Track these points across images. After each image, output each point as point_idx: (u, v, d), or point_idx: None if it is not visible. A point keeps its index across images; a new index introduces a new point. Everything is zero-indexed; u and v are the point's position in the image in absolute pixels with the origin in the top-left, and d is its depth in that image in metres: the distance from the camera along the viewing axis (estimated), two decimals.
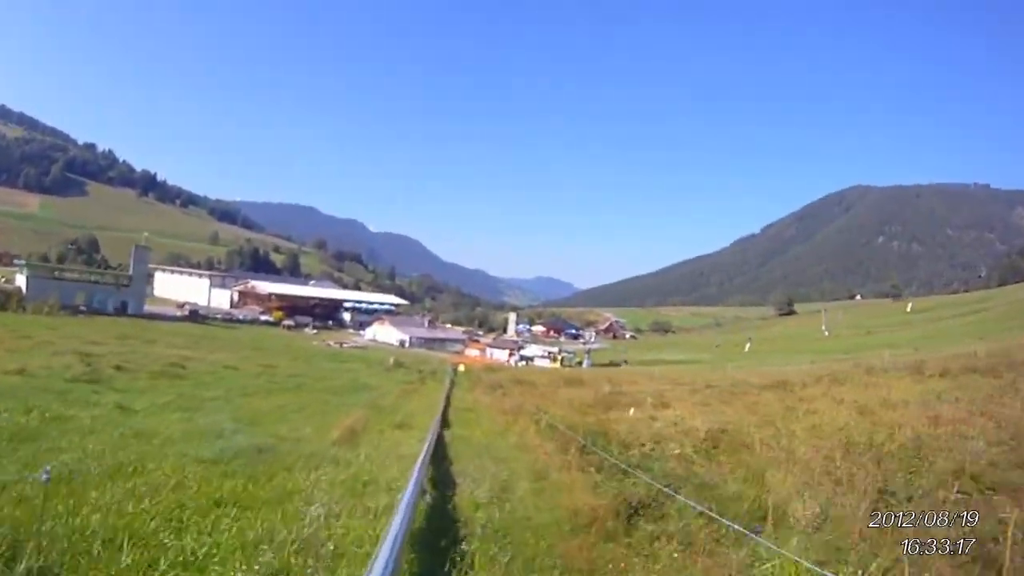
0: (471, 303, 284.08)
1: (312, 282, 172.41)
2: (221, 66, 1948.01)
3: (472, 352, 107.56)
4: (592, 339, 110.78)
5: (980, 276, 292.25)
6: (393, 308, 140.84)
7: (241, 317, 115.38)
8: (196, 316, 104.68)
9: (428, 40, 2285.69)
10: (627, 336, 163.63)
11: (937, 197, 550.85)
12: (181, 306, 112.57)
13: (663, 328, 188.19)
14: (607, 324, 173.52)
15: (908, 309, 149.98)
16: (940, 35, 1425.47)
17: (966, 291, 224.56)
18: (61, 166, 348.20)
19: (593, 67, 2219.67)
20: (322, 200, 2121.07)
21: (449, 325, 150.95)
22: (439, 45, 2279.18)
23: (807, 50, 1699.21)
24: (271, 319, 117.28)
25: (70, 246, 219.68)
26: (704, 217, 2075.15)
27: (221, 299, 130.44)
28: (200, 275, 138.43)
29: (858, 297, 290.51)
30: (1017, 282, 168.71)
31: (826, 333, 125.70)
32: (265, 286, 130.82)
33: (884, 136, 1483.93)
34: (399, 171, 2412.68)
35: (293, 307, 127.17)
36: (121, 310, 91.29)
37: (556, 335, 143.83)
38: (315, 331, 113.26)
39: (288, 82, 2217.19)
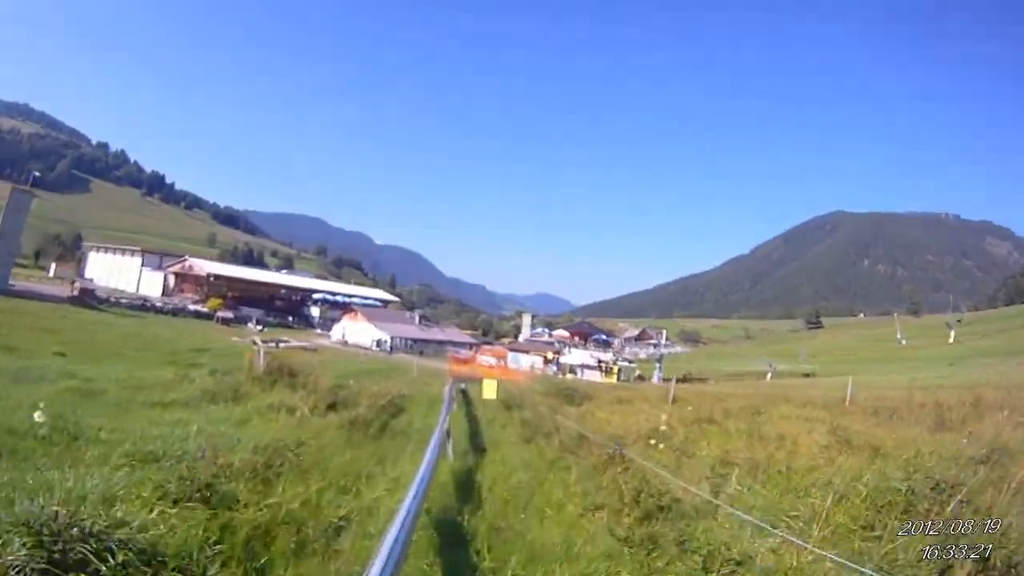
0: (473, 312, 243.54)
1: (283, 271, 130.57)
2: (238, 80, 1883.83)
3: (486, 360, 64.92)
4: (664, 342, 70.40)
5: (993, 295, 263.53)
6: (379, 304, 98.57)
7: (159, 304, 73.80)
8: (88, 297, 64.04)
9: (438, 63, 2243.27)
10: (663, 344, 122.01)
11: (913, 225, 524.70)
12: (72, 283, 72.06)
13: (692, 339, 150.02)
14: (638, 332, 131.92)
15: None
16: (914, 73, 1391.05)
17: (976, 309, 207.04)
18: (68, 163, 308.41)
19: (591, 93, 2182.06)
20: (331, 212, 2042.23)
21: (454, 327, 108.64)
22: (449, 67, 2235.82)
23: (786, 80, 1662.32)
24: (205, 309, 76.11)
25: (56, 240, 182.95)
26: (694, 237, 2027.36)
27: (154, 283, 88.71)
28: (132, 253, 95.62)
29: (861, 315, 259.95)
30: None
31: (903, 342, 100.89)
32: (204, 266, 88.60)
33: (861, 165, 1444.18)
34: (408, 185, 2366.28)
35: (243, 297, 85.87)
36: None
37: (583, 341, 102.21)
38: (260, 327, 71.65)
39: (302, 95, 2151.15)
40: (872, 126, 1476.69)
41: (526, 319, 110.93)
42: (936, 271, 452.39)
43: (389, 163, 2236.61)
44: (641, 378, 73.83)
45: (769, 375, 64.26)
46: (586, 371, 64.33)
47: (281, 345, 52.68)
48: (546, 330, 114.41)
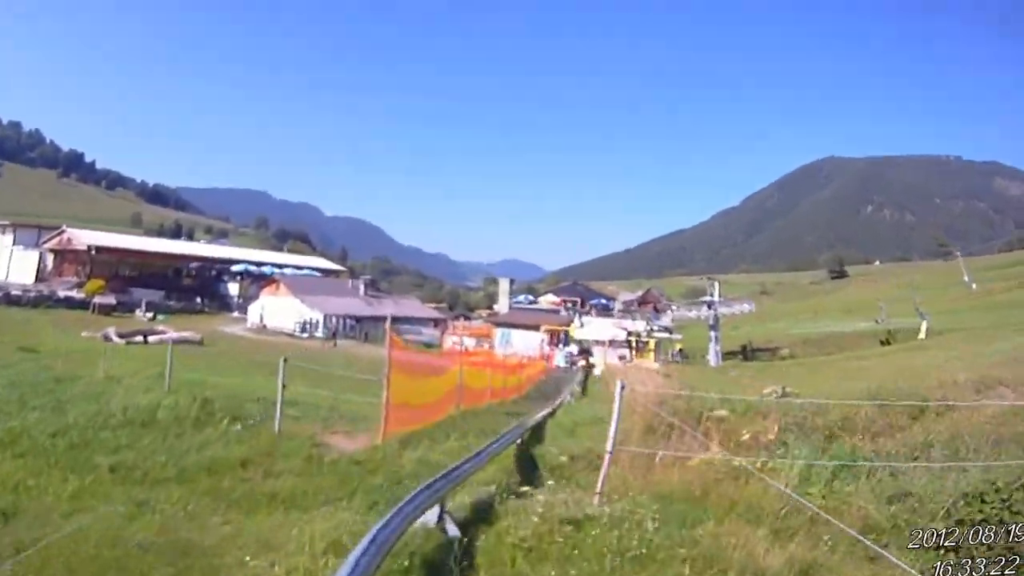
0: (436, 283, 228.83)
1: (203, 241, 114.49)
2: (162, 47, 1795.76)
3: (466, 341, 50.22)
4: (718, 299, 55.96)
5: None
6: (316, 274, 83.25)
7: (18, 294, 58.47)
8: None
9: (381, 18, 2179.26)
10: (673, 309, 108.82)
11: (913, 168, 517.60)
12: None
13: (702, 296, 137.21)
14: (642, 293, 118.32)
15: None
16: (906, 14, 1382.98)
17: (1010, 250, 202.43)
18: None
19: (556, 39, 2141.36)
20: (275, 184, 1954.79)
21: (414, 299, 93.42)
22: (392, 25, 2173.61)
23: (766, 25, 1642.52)
24: (82, 295, 60.95)
25: None
26: (675, 192, 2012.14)
27: (28, 265, 72.62)
28: (3, 230, 78.95)
29: (877, 263, 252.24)
30: None
31: (974, 287, 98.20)
32: (84, 237, 72.68)
33: (853, 109, 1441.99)
34: (355, 152, 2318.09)
35: (139, 276, 70.87)
36: None
37: (580, 308, 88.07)
38: (151, 314, 56.94)
39: (234, 59, 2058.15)
40: (860, 69, 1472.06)
41: (503, 285, 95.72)
42: (946, 215, 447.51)
43: (336, 129, 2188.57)
44: (683, 354, 59.52)
45: (924, 329, 48.78)
46: (609, 351, 49.67)
47: (151, 339, 38.27)
48: (528, 297, 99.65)
